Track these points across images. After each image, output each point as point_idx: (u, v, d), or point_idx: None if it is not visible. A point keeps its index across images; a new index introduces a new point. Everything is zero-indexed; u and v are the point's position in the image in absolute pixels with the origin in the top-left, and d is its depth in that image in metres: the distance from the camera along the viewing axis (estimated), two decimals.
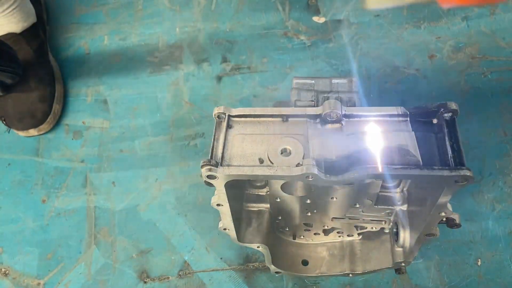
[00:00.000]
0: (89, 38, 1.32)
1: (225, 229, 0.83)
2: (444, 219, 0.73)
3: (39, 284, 1.08)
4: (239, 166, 0.68)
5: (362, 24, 1.25)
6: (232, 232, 0.84)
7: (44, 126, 1.20)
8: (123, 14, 1.34)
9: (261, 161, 0.68)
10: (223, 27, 1.30)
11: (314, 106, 0.79)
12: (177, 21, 1.32)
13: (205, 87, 1.23)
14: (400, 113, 0.71)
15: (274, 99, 1.19)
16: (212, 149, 0.70)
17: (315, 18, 1.28)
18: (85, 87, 1.26)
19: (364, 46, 1.22)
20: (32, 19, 1.23)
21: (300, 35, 1.26)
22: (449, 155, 0.64)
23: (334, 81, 0.84)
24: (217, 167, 0.67)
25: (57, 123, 1.23)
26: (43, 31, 1.27)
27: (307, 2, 1.30)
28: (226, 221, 0.80)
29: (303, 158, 0.67)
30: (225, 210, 0.77)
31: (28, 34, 1.21)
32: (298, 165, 0.66)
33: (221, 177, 0.67)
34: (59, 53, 1.31)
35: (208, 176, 0.67)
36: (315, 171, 0.64)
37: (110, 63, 1.28)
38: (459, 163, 0.63)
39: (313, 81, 0.84)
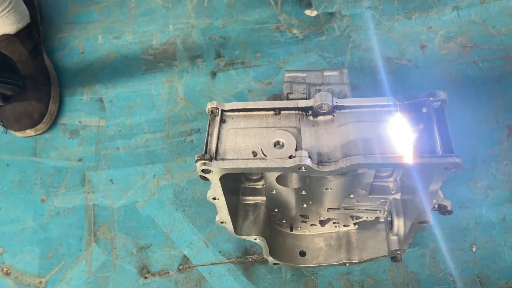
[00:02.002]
0: (83, 37, 1.33)
1: (222, 222, 0.85)
2: (436, 206, 0.75)
3: (41, 282, 1.09)
4: (233, 159, 0.69)
5: (353, 16, 1.26)
6: (229, 225, 0.85)
7: (41, 126, 1.21)
8: (116, 12, 1.35)
9: (254, 154, 0.69)
10: (216, 23, 1.30)
11: (306, 99, 0.80)
12: (170, 18, 1.32)
13: (200, 83, 1.24)
14: (390, 103, 0.72)
15: (268, 93, 1.20)
16: (206, 144, 0.71)
17: (307, 12, 1.29)
18: (81, 86, 1.27)
19: (356, 38, 1.23)
20: (26, 20, 1.24)
21: (293, 29, 1.27)
22: (438, 143, 0.66)
23: (326, 73, 0.85)
24: (211, 161, 0.68)
25: (53, 123, 1.24)
26: (37, 32, 1.28)
27: None
28: (223, 214, 0.82)
29: (295, 150, 0.68)
30: (221, 204, 0.78)
31: (22, 35, 1.22)
32: (291, 157, 0.67)
33: (216, 171, 0.68)
34: (53, 53, 1.32)
35: (203, 170, 0.68)
36: (308, 162, 0.65)
37: (105, 62, 1.29)
38: (448, 151, 0.64)
39: (304, 74, 0.85)
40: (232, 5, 1.32)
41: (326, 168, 0.67)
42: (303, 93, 0.81)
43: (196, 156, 0.68)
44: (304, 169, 0.66)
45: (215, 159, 0.69)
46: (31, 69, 1.21)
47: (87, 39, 1.33)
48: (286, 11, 1.29)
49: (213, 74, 1.24)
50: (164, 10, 1.34)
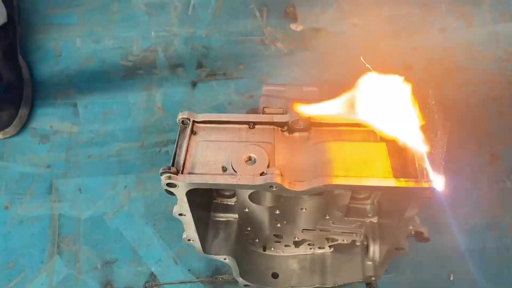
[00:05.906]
0: (61, 40, 1.29)
1: (189, 240, 0.80)
2: (413, 232, 0.71)
3: None
4: (201, 174, 0.65)
5: (339, 33, 1.24)
6: (197, 243, 0.81)
7: (10, 130, 1.15)
8: (97, 16, 1.31)
9: (224, 169, 0.65)
10: (200, 33, 1.27)
11: (283, 114, 0.77)
12: (153, 25, 1.29)
13: (179, 93, 1.20)
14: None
15: (249, 107, 1.16)
16: (174, 156, 0.67)
17: (293, 26, 1.26)
18: (55, 90, 1.22)
19: (341, 55, 1.20)
20: (2, 19, 1.19)
21: (277, 43, 1.24)
22: (417, 167, 0.63)
23: (305, 88, 0.82)
24: (177, 175, 0.64)
25: (23, 127, 1.18)
26: (13, 32, 1.23)
27: (285, 9, 1.29)
28: (190, 231, 0.77)
29: (267, 167, 0.65)
30: (188, 220, 0.74)
31: None
32: (262, 174, 0.64)
33: (182, 185, 0.64)
34: (29, 54, 1.27)
35: (168, 184, 0.64)
36: (279, 180, 0.62)
37: (82, 66, 1.25)
38: (426, 175, 0.61)
39: (283, 88, 0.82)
40: (216, 15, 1.29)
41: (299, 188, 0.63)
42: (280, 108, 0.78)
43: (161, 168, 0.64)
44: (275, 187, 0.62)
45: (182, 173, 0.65)
46: (4, 70, 1.16)
47: (65, 42, 1.28)
48: (272, 25, 1.27)
49: (194, 85, 1.21)
50: (146, 17, 1.30)
